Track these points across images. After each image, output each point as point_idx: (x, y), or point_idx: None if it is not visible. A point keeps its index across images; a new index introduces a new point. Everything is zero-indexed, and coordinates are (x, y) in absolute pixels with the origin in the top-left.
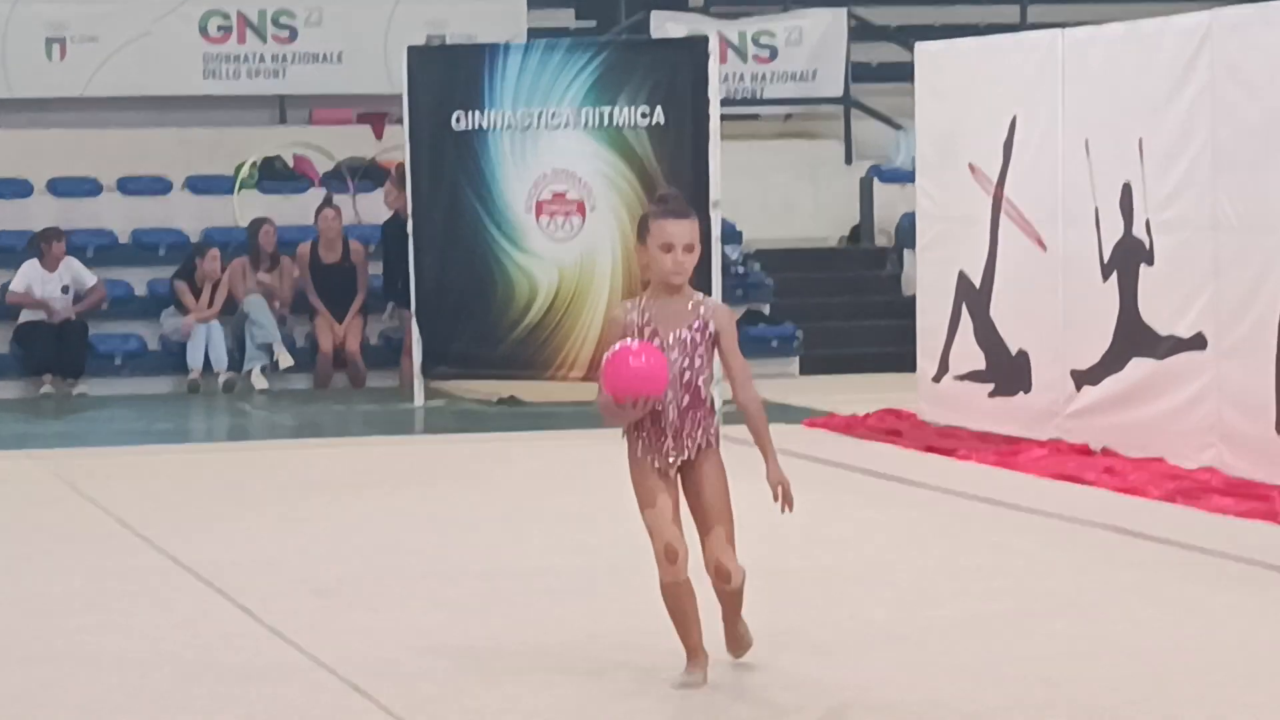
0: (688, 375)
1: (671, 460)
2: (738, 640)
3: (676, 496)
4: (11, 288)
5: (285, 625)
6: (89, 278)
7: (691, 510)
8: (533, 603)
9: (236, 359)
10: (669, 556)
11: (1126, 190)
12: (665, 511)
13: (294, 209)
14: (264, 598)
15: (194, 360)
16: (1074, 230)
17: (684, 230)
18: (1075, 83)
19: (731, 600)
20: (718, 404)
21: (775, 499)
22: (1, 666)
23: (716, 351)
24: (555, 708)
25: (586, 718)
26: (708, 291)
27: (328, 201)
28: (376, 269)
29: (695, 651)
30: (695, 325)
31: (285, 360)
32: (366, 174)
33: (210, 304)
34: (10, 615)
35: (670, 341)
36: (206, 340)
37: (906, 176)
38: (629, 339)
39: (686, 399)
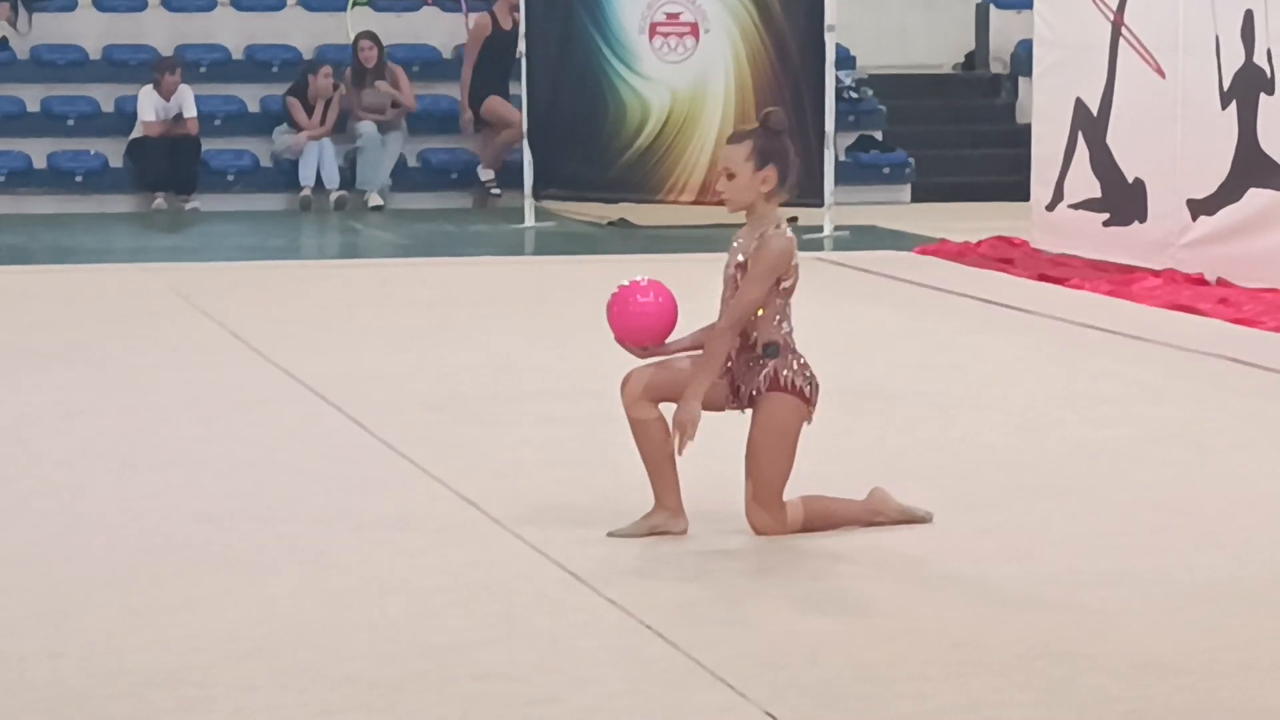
0: None
1: (731, 403)
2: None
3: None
4: (141, 117)
5: (397, 438)
6: (191, 109)
7: None
8: None
9: (348, 176)
10: (620, 384)
11: (1248, 18)
12: (669, 360)
13: (405, 26)
14: (375, 411)
15: (306, 177)
16: (1194, 58)
17: (724, 153)
18: None
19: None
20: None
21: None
22: (124, 471)
23: (779, 293)
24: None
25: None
26: (821, 120)
27: None
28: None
29: (656, 497)
30: (737, 263)
31: (375, 200)
32: None
33: (322, 121)
34: (129, 423)
35: (725, 276)
36: (318, 158)
37: (1023, 3)
38: (641, 277)
39: (738, 341)
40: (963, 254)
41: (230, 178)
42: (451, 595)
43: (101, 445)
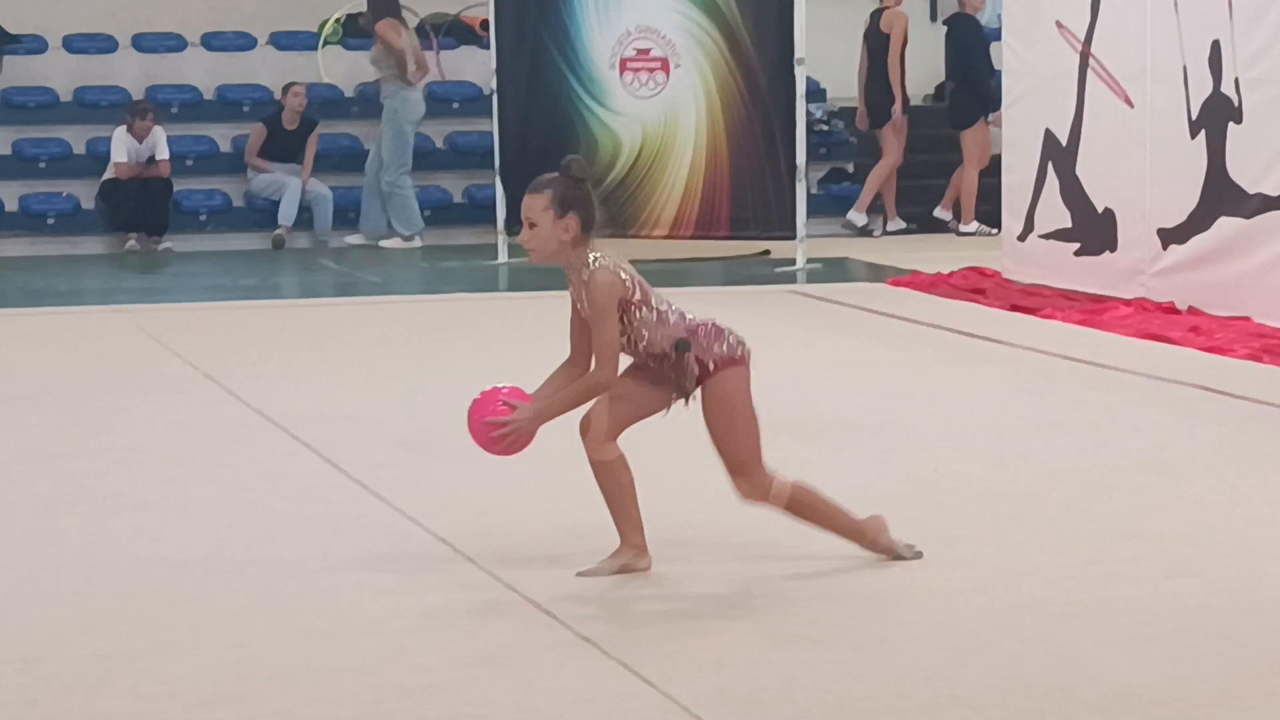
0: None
1: (676, 399)
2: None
3: (646, 397)
4: (114, 159)
5: (369, 477)
6: (163, 151)
7: None
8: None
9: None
10: (580, 429)
11: (1215, 47)
12: (619, 392)
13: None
14: (347, 450)
15: (286, 216)
16: (1162, 88)
17: (525, 203)
18: None
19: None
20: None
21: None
22: (95, 515)
23: (637, 308)
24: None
25: (666, 575)
26: (792, 153)
27: None
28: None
29: (622, 536)
30: (583, 317)
31: (354, 239)
32: (450, 31)
33: (291, 157)
34: (101, 465)
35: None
36: (300, 198)
37: (992, 34)
38: (501, 385)
39: (649, 362)
40: (935, 285)
41: (202, 218)
42: (425, 635)
43: (73, 488)
